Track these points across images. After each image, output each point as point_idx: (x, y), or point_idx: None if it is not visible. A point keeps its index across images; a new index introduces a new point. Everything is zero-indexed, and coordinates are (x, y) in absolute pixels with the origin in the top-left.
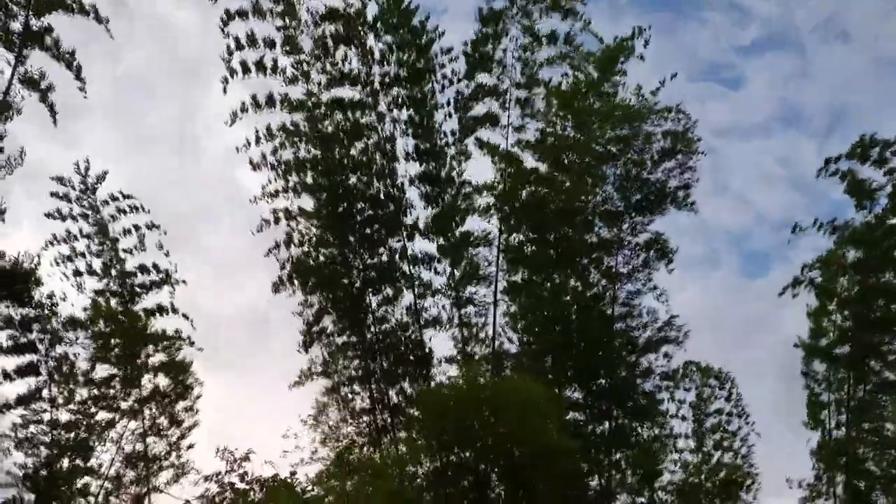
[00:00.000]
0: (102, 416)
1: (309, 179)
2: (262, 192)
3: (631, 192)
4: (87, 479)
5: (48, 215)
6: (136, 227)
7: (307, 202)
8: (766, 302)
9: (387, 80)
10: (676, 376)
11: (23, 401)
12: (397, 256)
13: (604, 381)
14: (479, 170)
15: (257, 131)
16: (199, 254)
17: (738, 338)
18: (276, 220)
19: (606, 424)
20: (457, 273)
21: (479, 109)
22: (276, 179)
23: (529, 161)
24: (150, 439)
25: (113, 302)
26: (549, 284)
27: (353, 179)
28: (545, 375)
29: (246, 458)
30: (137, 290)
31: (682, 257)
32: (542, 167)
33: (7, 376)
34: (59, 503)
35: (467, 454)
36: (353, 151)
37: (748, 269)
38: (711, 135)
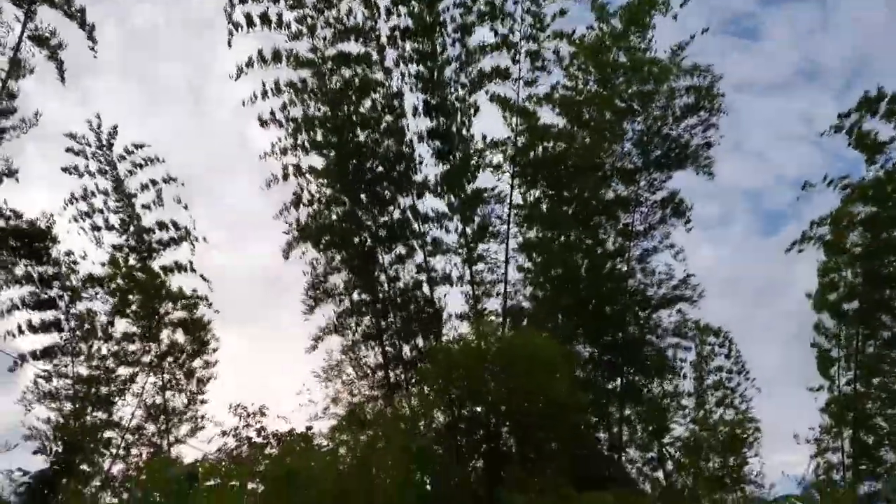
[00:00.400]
0: (123, 370)
1: (318, 137)
2: (271, 148)
3: (650, 149)
4: (109, 431)
5: (65, 170)
6: (154, 182)
7: (317, 160)
8: (782, 261)
9: (395, 34)
10: (684, 333)
11: (45, 355)
12: (408, 214)
13: (615, 338)
14: (490, 125)
15: (264, 85)
16: (212, 211)
17: (754, 297)
18: (286, 177)
19: (618, 380)
20: (469, 230)
21: (489, 63)
22: (285, 137)
23: (543, 116)
24: (169, 393)
25: (131, 258)
26: (562, 241)
27: (362, 136)
28: (556, 331)
29: (259, 413)
30: (155, 246)
31: (696, 216)
32: (558, 122)
33: (31, 329)
34: (83, 455)
35: (478, 409)
36: (361, 108)
37: (765, 227)
38: (730, 90)
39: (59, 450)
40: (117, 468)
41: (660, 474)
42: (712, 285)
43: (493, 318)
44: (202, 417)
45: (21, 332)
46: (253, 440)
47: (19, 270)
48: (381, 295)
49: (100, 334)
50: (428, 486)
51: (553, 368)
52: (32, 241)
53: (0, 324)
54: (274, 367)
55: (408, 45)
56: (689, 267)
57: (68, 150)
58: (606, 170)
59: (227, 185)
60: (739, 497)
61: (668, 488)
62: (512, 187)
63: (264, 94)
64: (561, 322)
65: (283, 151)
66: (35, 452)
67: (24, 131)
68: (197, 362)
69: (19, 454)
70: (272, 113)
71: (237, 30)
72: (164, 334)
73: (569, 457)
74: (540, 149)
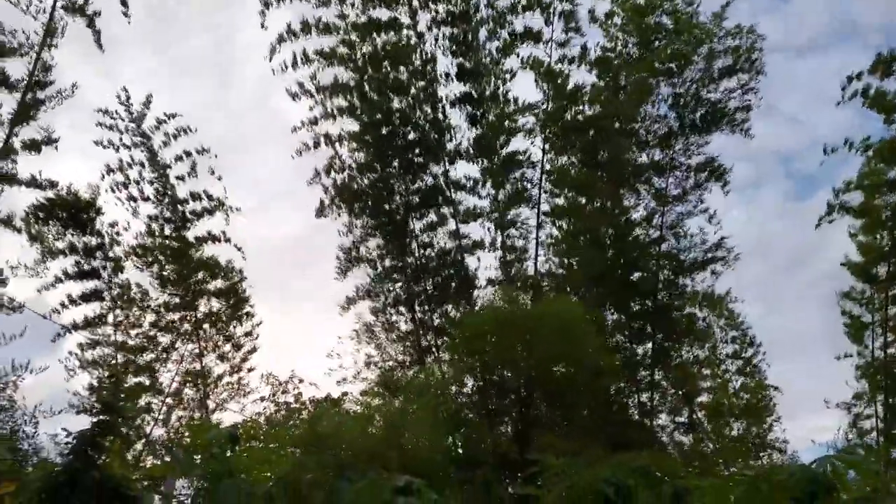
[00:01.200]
0: (163, 338)
1: (350, 104)
2: (303, 118)
3: (686, 112)
4: (150, 396)
5: (98, 143)
6: (187, 154)
7: (349, 126)
8: (813, 224)
9: None
10: (713, 301)
11: (88, 325)
12: (440, 181)
13: (644, 304)
14: (524, 89)
15: (294, 55)
16: (238, 182)
17: (786, 261)
18: (317, 146)
19: (647, 345)
20: (500, 196)
21: (521, 24)
22: (316, 105)
23: (576, 78)
24: (207, 360)
25: (167, 229)
26: (594, 206)
27: (394, 103)
28: (586, 298)
29: (292, 381)
30: (189, 216)
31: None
32: (590, 84)
33: (73, 301)
34: (124, 418)
35: (508, 374)
36: (393, 74)
37: (799, 191)
38: (764, 52)
39: (101, 413)
40: (158, 432)
41: (689, 439)
42: (744, 249)
43: (524, 284)
44: (239, 383)
45: (66, 305)
46: (288, 405)
47: (62, 243)
48: (412, 261)
49: (140, 303)
50: (459, 451)
51: (583, 333)
52: (78, 211)
53: (46, 295)
54: (302, 336)
55: (440, 7)
56: (723, 230)
57: (100, 124)
58: (641, 134)
59: (253, 156)
60: (767, 463)
61: (697, 453)
62: (544, 152)
63: (294, 63)
64: (590, 288)
65: (314, 121)
66: (77, 414)
67: (61, 102)
68: (235, 329)
69: (63, 419)
70: (300, 84)
71: (267, 8)
72: (202, 302)
73: (599, 421)
74: (571, 112)
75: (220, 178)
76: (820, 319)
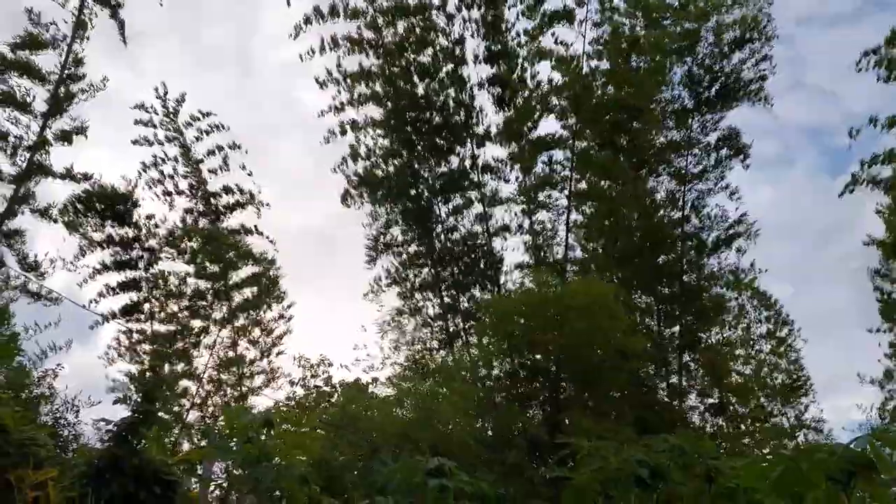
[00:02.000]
0: (198, 324)
1: (376, 89)
2: (329, 104)
3: (700, 88)
4: (186, 382)
5: (135, 142)
6: (220, 148)
7: (374, 112)
8: (847, 201)
9: None
10: (740, 279)
11: (125, 313)
12: (466, 164)
13: (671, 287)
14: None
15: (322, 40)
16: (260, 171)
17: (816, 238)
18: (343, 132)
19: (676, 328)
20: (528, 180)
21: (553, 3)
22: (341, 92)
23: (596, 60)
24: (240, 347)
25: (201, 222)
26: (618, 188)
27: (420, 87)
28: (615, 280)
29: (322, 365)
30: (222, 209)
31: (755, 155)
32: (607, 67)
33: (112, 291)
34: (162, 404)
35: (537, 356)
36: (420, 57)
37: (829, 166)
38: (790, 24)
39: (139, 399)
40: (194, 416)
41: (719, 421)
42: (772, 226)
43: (552, 267)
44: (271, 368)
45: (105, 295)
46: (318, 389)
47: (100, 235)
48: (438, 246)
49: (175, 292)
50: (489, 433)
51: (612, 315)
52: (116, 204)
53: (86, 287)
54: (329, 323)
55: None
56: (749, 208)
57: (138, 121)
58: (657, 114)
59: (275, 145)
60: (804, 443)
61: (728, 434)
62: (573, 136)
63: (321, 48)
64: (618, 271)
65: (340, 107)
66: (115, 403)
67: (93, 95)
68: (268, 316)
69: (102, 407)
70: (327, 70)
71: None
72: (235, 290)
73: (629, 404)
74: (592, 95)
75: (250, 174)
76: (851, 298)
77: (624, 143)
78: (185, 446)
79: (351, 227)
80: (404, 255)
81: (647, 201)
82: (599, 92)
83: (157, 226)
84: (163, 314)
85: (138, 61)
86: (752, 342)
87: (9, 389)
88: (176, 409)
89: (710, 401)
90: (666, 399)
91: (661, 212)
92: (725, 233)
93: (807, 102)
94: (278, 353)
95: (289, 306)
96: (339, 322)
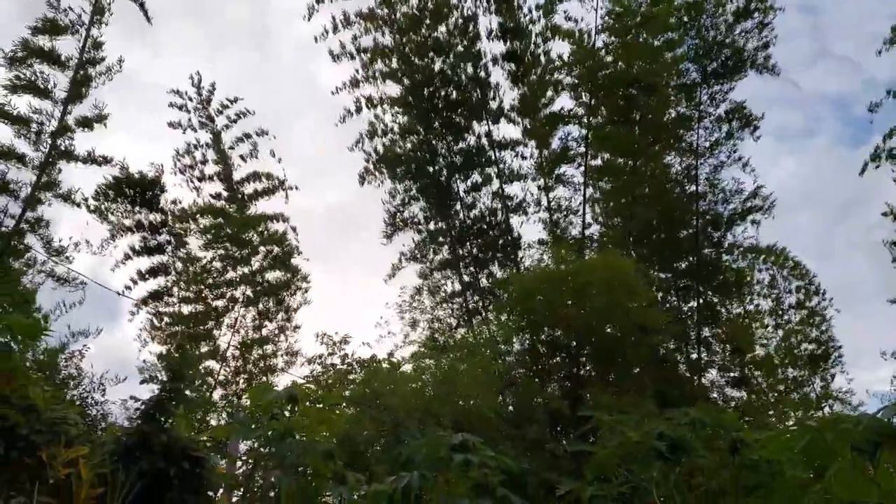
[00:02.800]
0: (222, 305)
1: (392, 65)
2: (344, 81)
3: (706, 61)
4: (211, 361)
5: (171, 125)
6: (248, 136)
7: (390, 90)
8: (870, 172)
9: None
10: (760, 253)
11: (154, 297)
12: (483, 141)
13: (691, 259)
14: (565, 46)
15: (334, 19)
16: (278, 151)
17: (839, 210)
18: (359, 110)
19: (694, 302)
20: (544, 156)
21: None
22: (358, 69)
23: (605, 36)
24: (264, 328)
25: (229, 207)
26: (631, 164)
27: (436, 63)
28: (632, 255)
29: (344, 342)
30: (250, 195)
31: (777, 126)
32: (615, 43)
33: (142, 276)
34: (188, 383)
35: (557, 332)
36: (434, 33)
37: (853, 137)
38: None
39: (168, 380)
40: (220, 394)
41: (742, 394)
42: (794, 198)
43: (569, 243)
44: (292, 348)
45: (136, 282)
46: (339, 366)
47: (129, 220)
48: (457, 223)
49: (202, 275)
50: (511, 408)
51: (631, 290)
52: (145, 189)
53: (117, 271)
54: (349, 302)
55: None
56: (769, 180)
57: (172, 104)
58: (666, 89)
59: (293, 124)
60: (830, 414)
61: (750, 406)
62: (589, 113)
63: (335, 27)
64: (636, 246)
65: (356, 84)
66: (142, 382)
67: (111, 78)
68: (290, 297)
69: (129, 386)
70: (342, 45)
71: None
72: (259, 273)
73: (649, 378)
74: (602, 72)
75: (279, 161)
76: (872, 269)
77: (637, 117)
78: (212, 423)
79: (371, 205)
80: (424, 232)
81: (662, 176)
82: (610, 69)
83: (184, 210)
84: (189, 295)
85: (154, 42)
86: (781, 312)
87: (39, 370)
88: (202, 387)
89: (732, 374)
90: (686, 374)
91: (677, 187)
92: (742, 205)
93: (828, 73)
94: (296, 328)
95: (306, 290)
96: (360, 301)
